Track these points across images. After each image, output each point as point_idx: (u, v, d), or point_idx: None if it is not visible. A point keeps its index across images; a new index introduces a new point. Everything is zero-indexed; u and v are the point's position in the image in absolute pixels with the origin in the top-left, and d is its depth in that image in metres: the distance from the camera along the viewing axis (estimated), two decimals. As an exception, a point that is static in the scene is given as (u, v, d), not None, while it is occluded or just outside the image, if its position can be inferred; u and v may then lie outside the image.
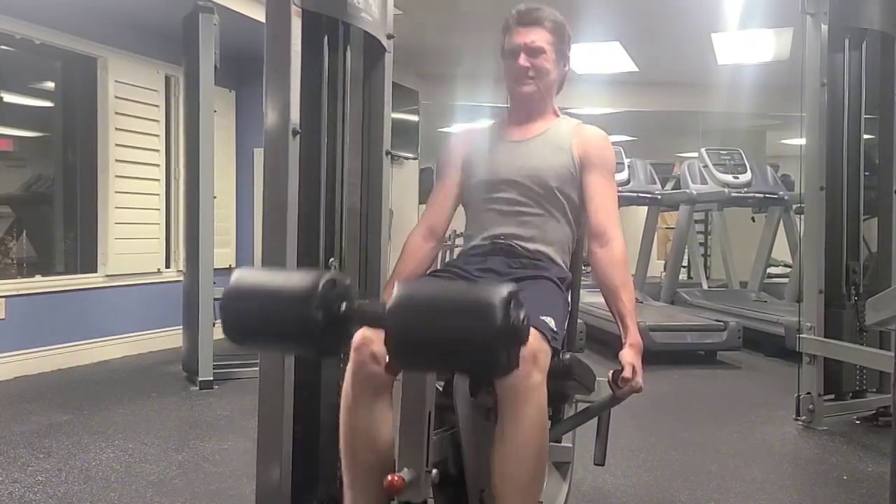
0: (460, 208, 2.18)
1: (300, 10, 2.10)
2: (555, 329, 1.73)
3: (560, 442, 2.09)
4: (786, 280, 7.88)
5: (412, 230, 2.14)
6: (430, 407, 1.49)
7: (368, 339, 1.67)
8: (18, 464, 3.05)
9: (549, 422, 2.04)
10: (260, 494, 2.10)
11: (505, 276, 1.92)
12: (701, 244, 10.03)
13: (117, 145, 5.35)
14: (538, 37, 2.03)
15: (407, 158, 7.65)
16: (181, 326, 4.74)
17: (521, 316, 1.17)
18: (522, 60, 2.04)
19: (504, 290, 1.15)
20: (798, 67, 3.75)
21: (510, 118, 2.18)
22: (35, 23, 4.83)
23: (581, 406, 2.08)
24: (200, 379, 4.36)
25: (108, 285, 5.32)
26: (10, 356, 4.65)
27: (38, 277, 5.10)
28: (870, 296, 3.23)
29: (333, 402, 2.04)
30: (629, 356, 1.83)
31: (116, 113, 5.34)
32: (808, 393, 3.65)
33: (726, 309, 6.35)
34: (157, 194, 5.71)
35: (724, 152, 7.02)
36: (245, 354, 4.79)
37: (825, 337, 3.62)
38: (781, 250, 7.97)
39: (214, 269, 4.47)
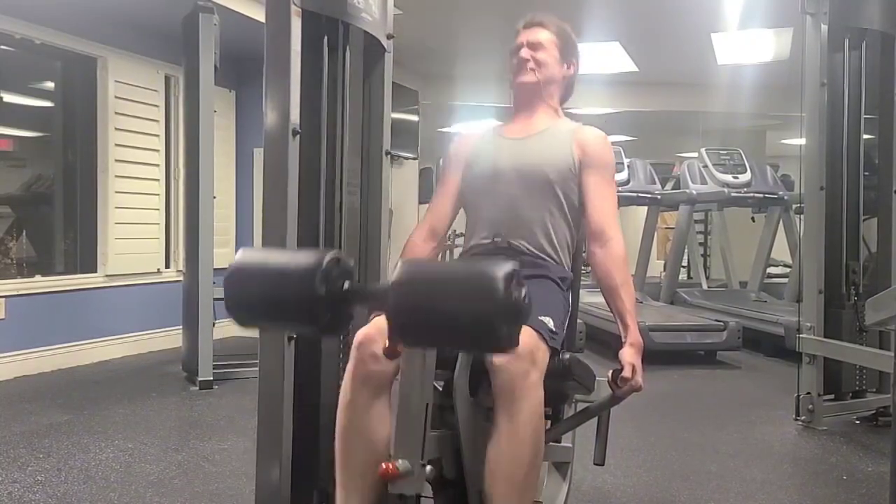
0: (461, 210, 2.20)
1: (300, 10, 2.10)
2: (553, 329, 1.73)
3: (560, 442, 2.09)
4: (785, 280, 7.89)
5: (413, 231, 2.15)
6: (428, 400, 1.48)
7: (369, 339, 1.67)
8: (18, 464, 3.05)
9: (549, 421, 2.04)
10: (260, 494, 2.10)
11: None
12: (701, 244, 10.03)
13: (117, 145, 5.35)
14: (540, 34, 2.12)
15: (407, 158, 7.65)
16: (181, 326, 4.74)
17: (523, 293, 1.18)
18: (524, 53, 2.10)
19: (505, 266, 1.16)
20: (798, 67, 3.75)
21: (512, 116, 2.20)
22: (35, 23, 4.83)
23: (581, 406, 2.08)
24: (200, 379, 4.36)
25: (108, 285, 5.32)
26: (9, 356, 4.65)
27: (38, 277, 5.10)
28: (869, 296, 3.23)
29: (333, 402, 2.03)
30: (629, 355, 1.83)
31: (116, 113, 5.33)
32: (808, 393, 3.65)
33: (726, 309, 6.35)
34: (157, 194, 5.71)
35: (724, 152, 7.03)
36: (245, 354, 4.80)
37: (825, 337, 3.62)
38: (781, 250, 7.97)
39: (214, 269, 4.47)
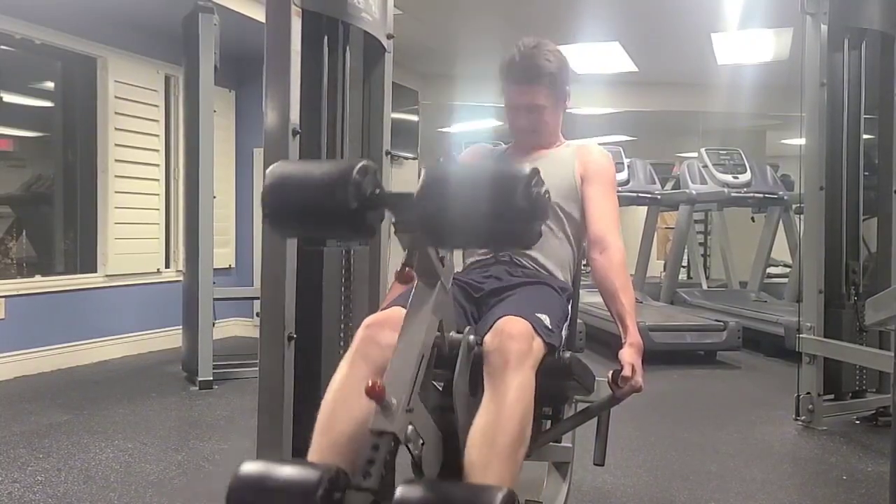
0: None
1: (300, 10, 2.11)
2: (549, 326, 1.73)
3: (560, 442, 2.09)
4: (785, 280, 7.89)
5: None
6: (426, 351, 1.47)
7: (377, 323, 1.68)
8: (18, 464, 3.05)
9: (549, 422, 2.05)
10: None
11: (507, 282, 1.94)
12: (701, 244, 10.04)
13: (117, 145, 5.35)
14: (536, 96, 2.06)
15: (407, 158, 7.65)
16: (181, 326, 4.74)
17: (543, 190, 1.27)
18: (523, 120, 2.11)
19: (526, 168, 1.26)
20: (798, 67, 3.75)
21: (515, 146, 2.24)
22: (35, 23, 4.83)
23: (581, 406, 2.08)
24: (200, 379, 4.36)
25: (108, 285, 5.32)
26: (9, 356, 4.65)
27: (37, 277, 5.10)
28: (869, 296, 3.23)
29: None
30: (629, 355, 1.83)
31: (116, 113, 5.34)
32: (808, 393, 3.65)
33: (726, 309, 6.35)
34: (157, 194, 5.71)
35: (724, 152, 7.03)
36: (245, 354, 4.80)
37: (825, 337, 3.62)
38: (781, 250, 7.97)
39: (214, 269, 4.48)
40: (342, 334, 2.39)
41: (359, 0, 2.30)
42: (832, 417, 3.70)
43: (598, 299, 2.16)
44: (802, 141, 3.76)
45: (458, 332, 1.70)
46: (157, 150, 5.68)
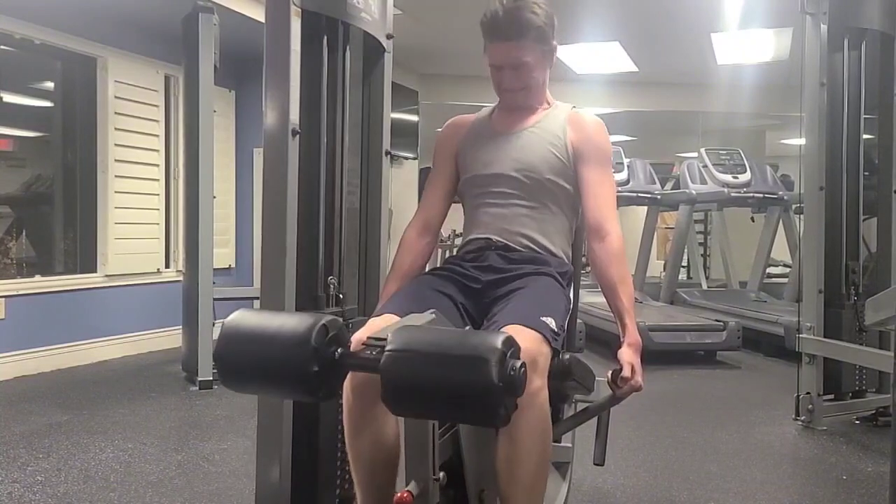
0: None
1: (300, 10, 2.10)
2: (556, 330, 1.72)
3: (559, 442, 2.09)
4: (785, 280, 7.89)
5: (407, 226, 2.11)
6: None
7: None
8: (18, 464, 3.05)
9: (551, 424, 2.04)
10: (260, 494, 2.10)
11: (504, 273, 1.91)
12: (700, 244, 10.03)
13: (117, 145, 5.35)
14: (522, 52, 1.94)
15: (407, 158, 7.66)
16: (181, 326, 4.74)
17: (518, 364, 1.18)
18: (508, 78, 1.99)
19: (499, 339, 1.17)
20: (798, 67, 3.75)
21: (501, 108, 2.14)
22: (35, 23, 4.83)
23: (580, 406, 2.07)
24: (200, 379, 4.36)
25: (108, 285, 5.32)
26: (9, 356, 4.65)
27: (37, 277, 5.10)
28: (869, 296, 3.23)
29: (333, 402, 2.04)
30: (628, 355, 1.82)
31: (116, 113, 5.34)
32: (808, 393, 3.65)
33: (726, 309, 6.35)
34: (157, 194, 5.71)
35: (724, 152, 7.02)
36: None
37: (825, 337, 3.62)
38: (781, 250, 7.97)
39: (214, 269, 4.48)
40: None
41: (359, 0, 2.30)
42: (832, 417, 3.70)
43: (597, 299, 2.15)
44: (802, 141, 3.75)
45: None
46: (157, 150, 5.68)
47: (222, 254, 5.78)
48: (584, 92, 7.88)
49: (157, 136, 5.67)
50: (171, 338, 5.39)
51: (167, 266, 5.79)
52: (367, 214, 2.52)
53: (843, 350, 3.59)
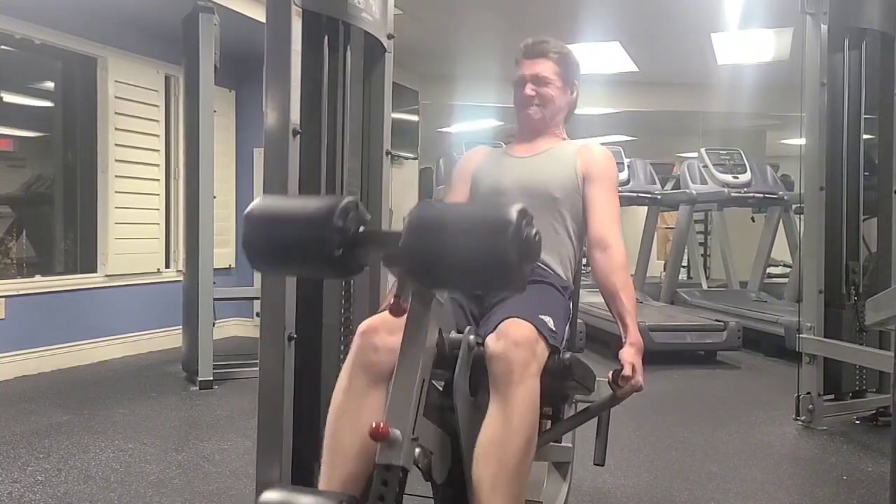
0: None
1: (300, 10, 2.10)
2: (553, 328, 1.73)
3: (560, 442, 2.09)
4: (785, 280, 7.89)
5: None
6: (425, 375, 1.47)
7: (372, 328, 1.68)
8: (18, 464, 3.05)
9: (549, 422, 2.04)
10: (260, 494, 2.10)
11: None
12: (701, 244, 10.04)
13: (117, 145, 5.35)
14: (543, 68, 2.13)
15: (407, 158, 7.65)
16: (181, 326, 4.74)
17: (534, 232, 1.22)
18: (528, 90, 2.14)
19: (516, 207, 1.21)
20: (798, 67, 3.75)
21: (518, 139, 2.25)
22: (35, 23, 4.83)
23: (581, 406, 2.08)
24: (200, 379, 4.36)
25: (108, 285, 5.32)
26: (9, 356, 4.65)
27: (37, 277, 5.10)
28: (869, 296, 3.22)
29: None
30: (629, 355, 1.83)
31: (116, 113, 5.33)
32: (808, 393, 3.65)
33: (726, 309, 6.35)
34: (157, 194, 5.71)
35: (724, 152, 7.03)
36: (245, 354, 4.81)
37: (825, 337, 3.62)
38: (781, 250, 7.97)
39: (214, 269, 4.48)
40: (342, 334, 2.39)
41: (359, 0, 2.30)
42: (832, 417, 3.70)
43: (598, 299, 2.16)
44: (802, 141, 3.75)
45: (458, 332, 1.71)
46: (157, 150, 5.68)
47: (222, 254, 5.77)
48: (584, 92, 7.74)
49: (157, 136, 5.67)
50: (171, 338, 5.39)
51: (167, 266, 5.79)
52: (367, 214, 2.51)
53: (843, 350, 3.59)
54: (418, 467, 1.47)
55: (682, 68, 7.56)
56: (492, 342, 1.65)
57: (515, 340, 1.62)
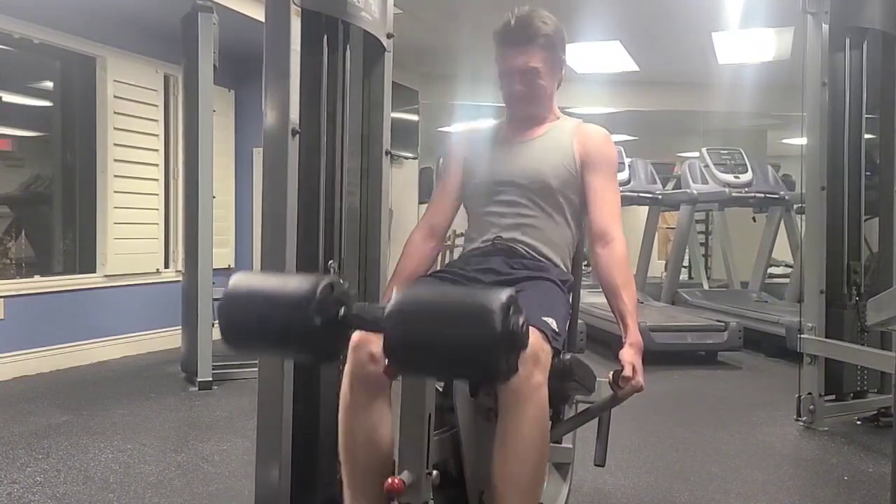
0: (462, 208, 2.19)
1: (300, 9, 2.09)
2: (556, 330, 1.72)
3: (560, 443, 2.08)
4: (787, 280, 7.87)
5: (413, 230, 2.14)
6: (430, 409, 1.48)
7: (366, 340, 1.67)
8: (17, 464, 3.04)
9: (550, 422, 2.03)
10: (259, 495, 2.10)
11: (505, 276, 1.91)
12: (702, 244, 10.03)
13: (116, 145, 5.34)
14: (531, 57, 1.98)
15: (407, 158, 7.65)
16: (180, 327, 4.73)
17: (521, 321, 1.17)
18: (518, 84, 2.02)
19: (503, 294, 1.15)
20: (799, 67, 3.74)
21: (510, 120, 2.16)
22: (34, 22, 4.82)
23: (581, 407, 2.07)
24: (199, 379, 4.35)
25: (107, 285, 5.31)
26: (8, 356, 4.64)
27: (36, 277, 5.09)
28: (871, 296, 3.21)
29: (333, 402, 2.03)
30: (629, 355, 1.82)
31: (115, 113, 5.33)
32: (809, 393, 3.64)
33: (727, 309, 6.34)
34: (157, 194, 5.70)
35: (725, 152, 7.02)
36: (244, 355, 4.80)
37: (826, 337, 3.61)
38: (782, 250, 7.96)
39: (213, 270, 4.47)
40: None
41: (359, -1, 2.29)
42: (833, 418, 3.69)
43: (598, 299, 2.15)
44: (804, 141, 3.75)
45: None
46: (156, 150, 5.67)
47: (222, 254, 5.77)
48: (585, 91, 7.87)
49: (156, 135, 5.66)
50: (170, 338, 5.38)
51: (167, 266, 5.78)
52: (367, 214, 2.51)
53: (844, 350, 3.58)
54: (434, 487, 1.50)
55: (683, 68, 7.56)
56: None
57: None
